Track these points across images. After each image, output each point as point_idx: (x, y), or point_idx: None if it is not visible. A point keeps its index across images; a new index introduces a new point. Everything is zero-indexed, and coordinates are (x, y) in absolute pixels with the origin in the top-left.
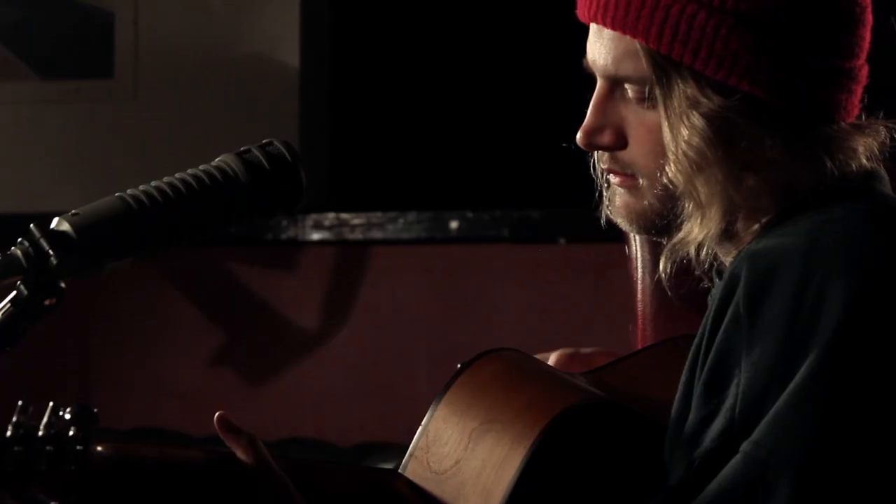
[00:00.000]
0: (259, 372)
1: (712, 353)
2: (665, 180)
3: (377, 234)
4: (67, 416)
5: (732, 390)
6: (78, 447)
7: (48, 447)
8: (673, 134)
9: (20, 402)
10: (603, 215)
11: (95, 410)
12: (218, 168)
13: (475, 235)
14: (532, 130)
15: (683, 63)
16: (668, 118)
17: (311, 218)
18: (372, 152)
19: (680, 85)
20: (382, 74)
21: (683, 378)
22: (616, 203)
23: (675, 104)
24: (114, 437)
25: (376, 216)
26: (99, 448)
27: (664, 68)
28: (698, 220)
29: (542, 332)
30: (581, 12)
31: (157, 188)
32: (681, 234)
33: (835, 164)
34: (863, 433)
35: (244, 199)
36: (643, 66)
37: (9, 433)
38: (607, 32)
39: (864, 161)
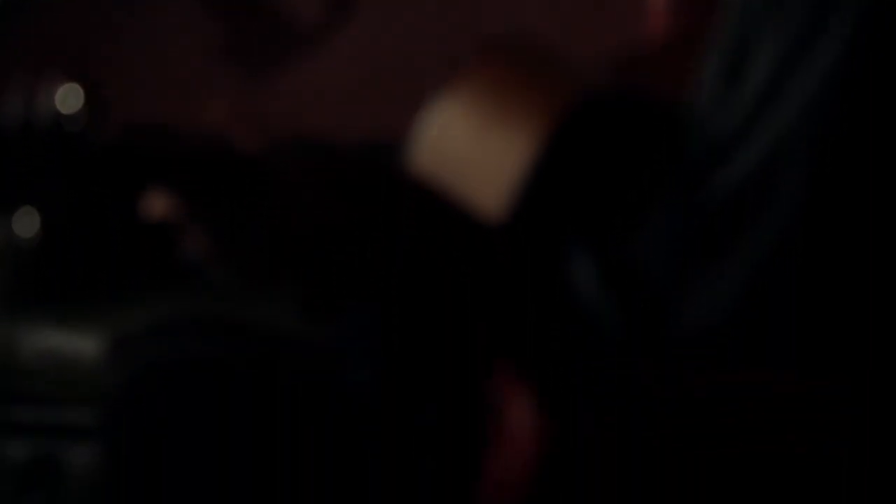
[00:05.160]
0: (260, 65)
1: (730, 39)
2: None
3: None
4: (68, 99)
5: (752, 75)
6: (82, 134)
7: (51, 132)
8: None
9: (19, 83)
10: None
11: (104, 95)
12: None
13: None
14: None
15: None
16: None
17: None
18: None
19: None
20: None
21: (703, 67)
22: None
23: None
24: (117, 127)
25: None
26: (103, 136)
27: None
28: None
29: (556, 20)
30: None
31: None
32: None
33: None
34: (889, 116)
35: None
36: None
37: (11, 116)
38: None
39: None
